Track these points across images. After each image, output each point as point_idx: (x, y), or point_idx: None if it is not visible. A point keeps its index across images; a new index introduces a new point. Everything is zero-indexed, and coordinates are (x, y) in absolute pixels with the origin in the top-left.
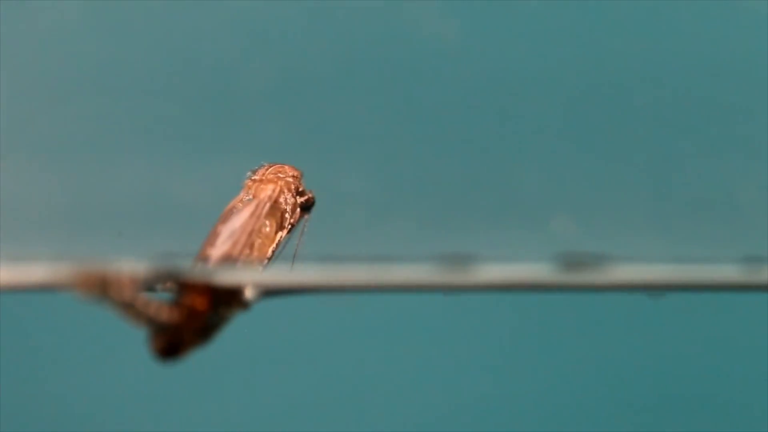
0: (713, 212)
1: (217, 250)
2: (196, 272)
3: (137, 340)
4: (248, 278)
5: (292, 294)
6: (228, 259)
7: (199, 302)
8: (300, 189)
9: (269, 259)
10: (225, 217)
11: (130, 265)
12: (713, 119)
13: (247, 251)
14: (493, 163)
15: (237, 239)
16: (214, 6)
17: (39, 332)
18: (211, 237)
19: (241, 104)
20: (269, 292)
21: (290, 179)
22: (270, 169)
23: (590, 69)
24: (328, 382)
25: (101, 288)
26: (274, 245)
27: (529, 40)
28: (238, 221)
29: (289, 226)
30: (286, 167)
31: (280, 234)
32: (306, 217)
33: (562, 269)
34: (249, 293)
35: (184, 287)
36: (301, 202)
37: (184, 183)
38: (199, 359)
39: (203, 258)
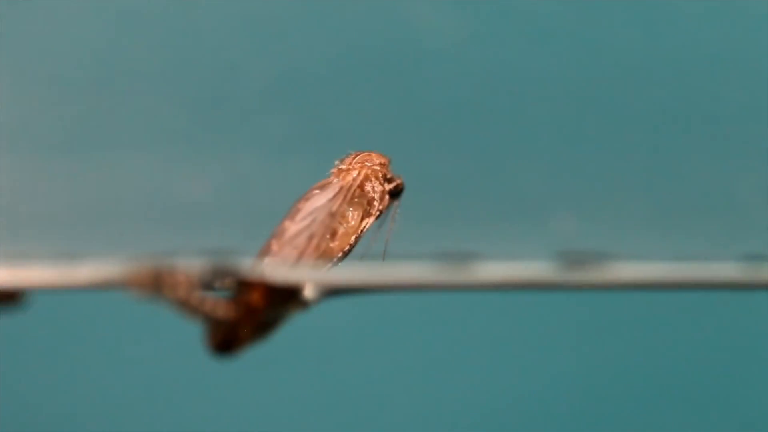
0: (714, 210)
1: (296, 226)
2: (252, 270)
3: (139, 337)
4: (308, 277)
5: (355, 294)
6: (305, 236)
7: (256, 299)
8: (388, 176)
9: (352, 246)
10: (308, 196)
11: (184, 263)
12: (714, 117)
13: (328, 237)
14: (494, 161)
15: (316, 217)
16: (213, 4)
17: (86, 331)
18: (292, 212)
19: (242, 101)
20: (332, 292)
21: (377, 167)
22: (357, 158)
23: (591, 67)
24: (325, 382)
25: (156, 286)
26: (357, 234)
27: (530, 37)
28: (320, 200)
29: (378, 213)
30: (373, 155)
31: (366, 221)
32: (395, 203)
33: (564, 267)
34: (309, 292)
35: (241, 284)
36: (390, 189)
37: (194, 181)
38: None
39: (280, 232)
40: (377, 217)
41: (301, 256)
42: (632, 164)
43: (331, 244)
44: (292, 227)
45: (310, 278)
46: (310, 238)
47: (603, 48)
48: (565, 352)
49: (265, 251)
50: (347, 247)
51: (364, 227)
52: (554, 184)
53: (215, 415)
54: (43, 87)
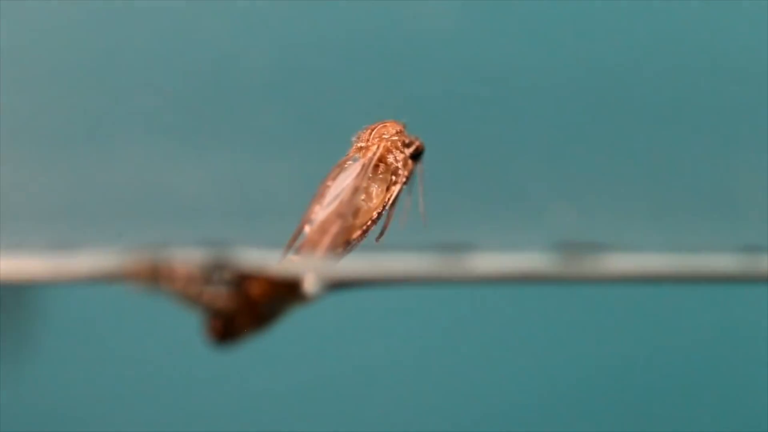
0: (712, 202)
1: (325, 210)
2: (250, 263)
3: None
4: (307, 271)
5: (356, 287)
6: (335, 218)
7: (256, 292)
8: (407, 141)
9: (380, 214)
10: (332, 176)
11: (182, 254)
12: (712, 108)
13: (350, 216)
14: (489, 151)
15: (343, 199)
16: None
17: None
18: (318, 196)
19: (239, 93)
20: (337, 285)
21: (395, 137)
22: (373, 133)
23: (589, 59)
24: (322, 375)
25: (154, 278)
26: (379, 209)
27: (525, 29)
28: (345, 180)
29: (405, 180)
30: (388, 125)
31: (393, 190)
32: (419, 165)
33: (561, 259)
34: (311, 286)
35: (242, 277)
36: (411, 153)
37: (191, 173)
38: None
39: (310, 217)
40: (405, 183)
41: (332, 238)
42: (630, 155)
43: (354, 221)
44: (321, 212)
45: (307, 271)
46: (339, 217)
47: (601, 40)
48: (563, 344)
49: (297, 237)
50: (369, 223)
51: (390, 198)
52: (551, 175)
53: (215, 405)
54: (40, 80)
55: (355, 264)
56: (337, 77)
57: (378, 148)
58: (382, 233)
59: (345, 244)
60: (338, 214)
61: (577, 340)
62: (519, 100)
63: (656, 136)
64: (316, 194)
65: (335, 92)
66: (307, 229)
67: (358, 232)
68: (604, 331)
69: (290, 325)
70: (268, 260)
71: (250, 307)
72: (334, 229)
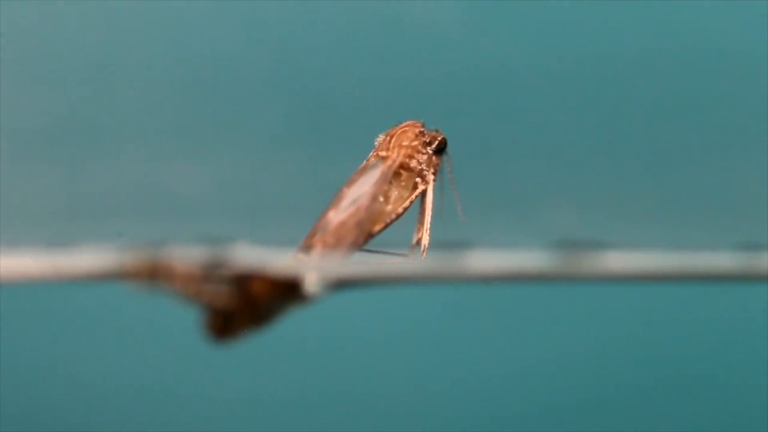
0: (711, 200)
1: (340, 215)
2: (249, 260)
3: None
4: (307, 270)
5: (357, 287)
6: (353, 224)
7: (256, 290)
8: (427, 140)
9: (403, 212)
10: (350, 182)
11: (182, 252)
12: (710, 106)
13: (368, 224)
14: (489, 150)
15: (360, 205)
16: None
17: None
18: (335, 201)
19: (236, 94)
20: (340, 285)
21: (415, 142)
22: (392, 141)
23: (588, 58)
24: (322, 375)
25: (153, 276)
26: (397, 212)
27: (524, 27)
28: (363, 187)
29: (433, 177)
30: (407, 130)
31: (421, 188)
32: (446, 158)
33: (560, 257)
34: (311, 286)
35: (242, 275)
36: (434, 150)
37: (189, 173)
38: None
39: (325, 223)
40: (435, 180)
41: (347, 244)
42: (629, 154)
43: (370, 226)
44: (336, 217)
45: (308, 270)
46: (357, 226)
47: (600, 38)
48: (562, 342)
49: (309, 242)
50: (388, 221)
51: (413, 199)
52: (550, 173)
53: (214, 404)
54: (40, 80)
55: (355, 264)
56: (337, 77)
57: (398, 156)
58: (424, 244)
59: (366, 239)
60: (357, 223)
61: (576, 338)
62: (518, 99)
63: (655, 134)
64: (333, 199)
65: (335, 92)
66: (319, 235)
67: (379, 227)
68: (603, 329)
69: (289, 324)
70: (268, 258)
71: (249, 305)
72: (350, 236)
